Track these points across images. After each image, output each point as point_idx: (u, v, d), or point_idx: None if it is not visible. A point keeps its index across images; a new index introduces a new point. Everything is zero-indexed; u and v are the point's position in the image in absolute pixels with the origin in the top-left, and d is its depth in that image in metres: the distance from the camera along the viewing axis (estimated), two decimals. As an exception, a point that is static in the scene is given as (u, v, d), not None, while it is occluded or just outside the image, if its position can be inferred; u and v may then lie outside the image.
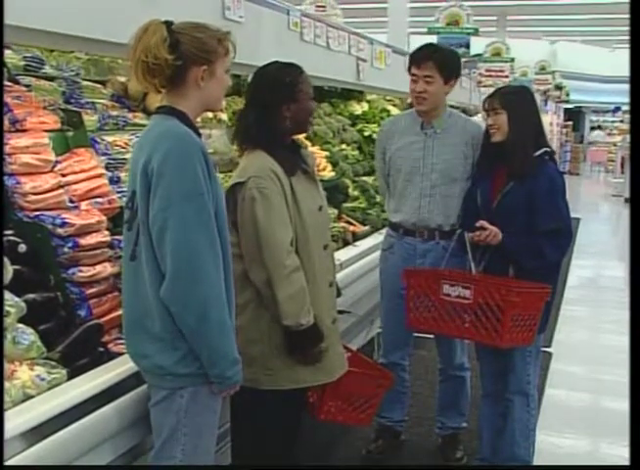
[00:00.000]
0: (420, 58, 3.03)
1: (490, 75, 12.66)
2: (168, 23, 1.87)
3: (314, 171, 2.49)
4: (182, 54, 1.87)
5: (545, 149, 2.81)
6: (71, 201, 2.42)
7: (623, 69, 6.44)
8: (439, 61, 3.01)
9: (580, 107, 27.05)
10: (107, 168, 2.72)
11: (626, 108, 19.60)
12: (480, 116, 2.97)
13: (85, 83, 3.16)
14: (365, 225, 4.52)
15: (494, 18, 17.56)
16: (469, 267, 2.83)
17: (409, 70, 3.08)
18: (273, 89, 2.33)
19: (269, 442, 2.37)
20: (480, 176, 2.93)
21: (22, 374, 1.86)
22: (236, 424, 2.44)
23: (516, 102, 2.81)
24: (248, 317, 2.28)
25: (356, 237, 4.30)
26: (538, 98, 16.85)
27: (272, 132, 2.33)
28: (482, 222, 2.73)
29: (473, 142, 3.07)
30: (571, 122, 23.96)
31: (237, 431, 2.46)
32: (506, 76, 12.77)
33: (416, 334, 3.33)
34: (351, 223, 4.42)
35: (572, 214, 2.88)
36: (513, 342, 2.63)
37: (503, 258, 2.74)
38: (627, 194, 12.37)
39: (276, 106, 2.32)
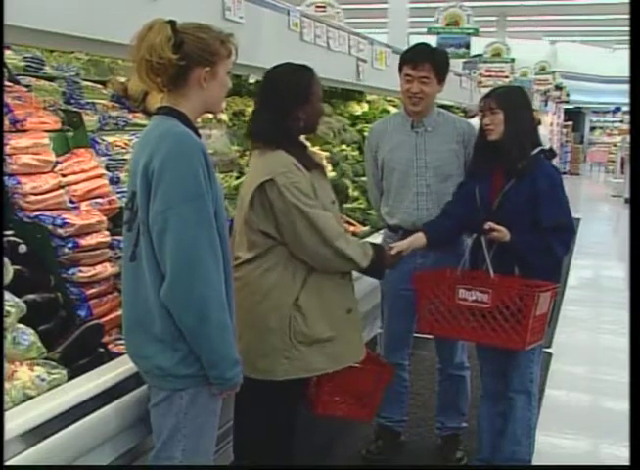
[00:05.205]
0: (417, 59, 3.01)
1: (491, 76, 12.67)
2: (173, 23, 1.87)
3: (324, 167, 2.57)
4: (186, 54, 1.86)
5: (541, 147, 2.82)
6: (72, 201, 2.43)
7: (623, 69, 6.44)
8: (436, 62, 3.01)
9: (580, 107, 27.02)
10: (107, 169, 2.72)
11: (626, 108, 19.58)
12: (477, 119, 2.95)
13: (85, 84, 3.16)
14: (365, 226, 4.52)
15: (494, 18, 17.56)
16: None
17: (400, 69, 3.07)
18: (289, 92, 2.40)
19: (270, 431, 2.41)
20: (477, 177, 2.93)
21: (23, 374, 1.86)
22: (237, 417, 2.48)
23: (512, 101, 2.83)
24: (269, 305, 2.31)
25: (356, 237, 4.29)
26: (538, 98, 16.89)
27: (288, 132, 2.41)
28: (491, 224, 2.72)
29: (463, 139, 3.09)
30: (571, 123, 23.94)
31: (238, 424, 2.50)
32: (506, 77, 12.76)
33: (416, 334, 3.33)
34: (351, 224, 4.42)
35: (573, 215, 2.89)
36: (532, 343, 2.64)
37: (507, 258, 2.73)
38: (627, 194, 12.36)
39: (291, 108, 2.39)
